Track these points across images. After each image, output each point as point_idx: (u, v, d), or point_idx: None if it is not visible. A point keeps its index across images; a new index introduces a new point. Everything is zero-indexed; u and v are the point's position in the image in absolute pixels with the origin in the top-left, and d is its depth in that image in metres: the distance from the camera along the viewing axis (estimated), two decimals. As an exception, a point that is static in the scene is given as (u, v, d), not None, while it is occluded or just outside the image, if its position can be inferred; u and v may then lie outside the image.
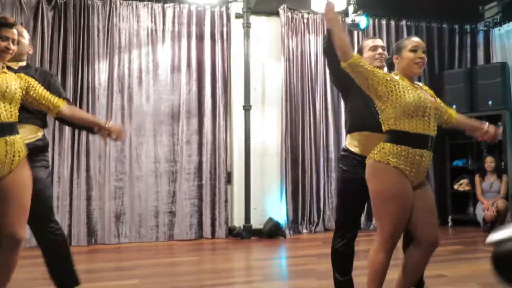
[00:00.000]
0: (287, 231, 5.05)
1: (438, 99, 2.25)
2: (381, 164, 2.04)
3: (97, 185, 4.72)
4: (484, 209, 5.12)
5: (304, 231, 5.22)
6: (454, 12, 5.88)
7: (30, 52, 2.59)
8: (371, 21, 5.51)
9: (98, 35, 4.85)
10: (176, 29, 5.09)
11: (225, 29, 5.19)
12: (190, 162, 5.01)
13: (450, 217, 5.64)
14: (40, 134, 2.47)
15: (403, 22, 5.78)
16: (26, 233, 2.22)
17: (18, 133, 2.15)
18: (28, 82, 2.21)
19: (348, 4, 4.46)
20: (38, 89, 2.23)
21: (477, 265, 3.61)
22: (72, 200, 4.62)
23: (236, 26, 5.24)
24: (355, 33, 5.50)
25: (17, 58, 2.37)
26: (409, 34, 5.74)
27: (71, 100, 4.66)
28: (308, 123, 5.34)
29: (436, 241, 2.11)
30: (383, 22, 5.71)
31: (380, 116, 2.16)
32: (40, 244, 2.44)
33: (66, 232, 4.54)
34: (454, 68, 5.92)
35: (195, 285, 3.18)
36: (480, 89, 5.54)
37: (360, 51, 2.63)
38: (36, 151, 2.38)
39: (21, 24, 4.52)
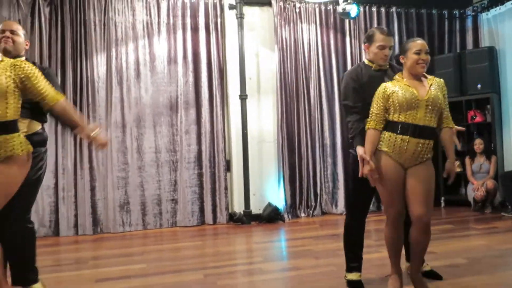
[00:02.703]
0: (285, 216, 5.22)
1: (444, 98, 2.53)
2: (377, 151, 2.43)
3: (100, 176, 4.86)
4: (474, 189, 5.29)
5: (302, 215, 5.39)
6: (443, -2, 6.02)
7: (27, 47, 2.64)
8: (361, 9, 5.62)
9: (95, 29, 4.94)
10: (171, 21, 5.18)
11: (219, 20, 5.28)
12: (190, 152, 5.15)
13: (442, 198, 5.76)
14: (35, 128, 2.43)
15: (393, 9, 5.85)
16: None
17: (13, 131, 2.07)
18: (25, 70, 2.09)
19: (339, -7, 4.58)
20: (39, 78, 2.14)
21: (466, 242, 3.80)
22: (77, 191, 4.77)
23: (230, 17, 5.33)
24: (346, 21, 5.61)
25: (14, 55, 2.43)
26: (399, 21, 5.84)
27: (71, 94, 4.80)
28: (303, 110, 5.47)
29: (421, 215, 2.32)
30: (374, 9, 5.79)
31: None
32: (3, 239, 2.38)
33: (72, 222, 4.71)
34: (444, 53, 6.03)
35: (199, 267, 3.34)
36: (469, 73, 5.67)
37: (370, 39, 2.64)
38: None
39: (19, 20, 4.60)
